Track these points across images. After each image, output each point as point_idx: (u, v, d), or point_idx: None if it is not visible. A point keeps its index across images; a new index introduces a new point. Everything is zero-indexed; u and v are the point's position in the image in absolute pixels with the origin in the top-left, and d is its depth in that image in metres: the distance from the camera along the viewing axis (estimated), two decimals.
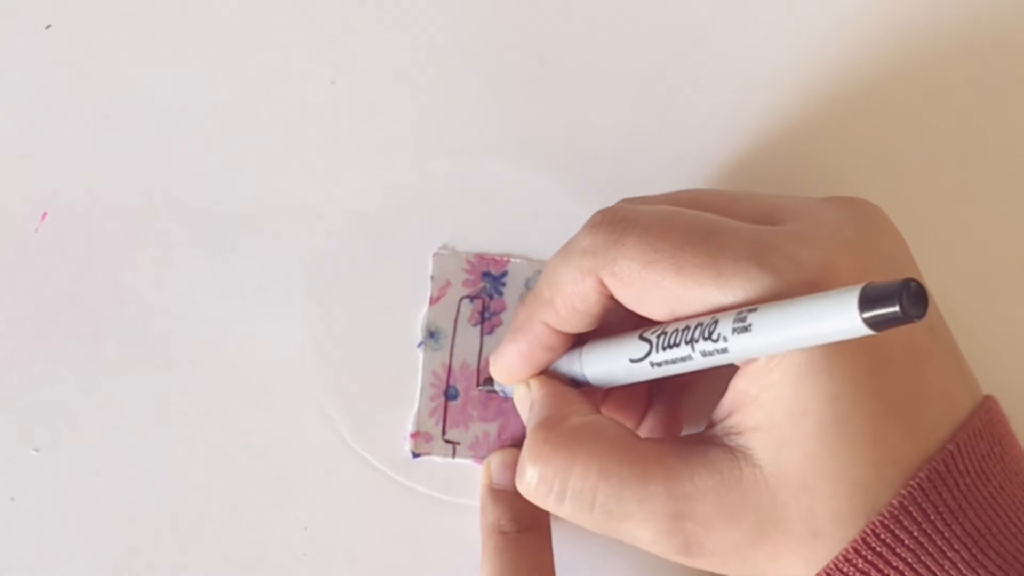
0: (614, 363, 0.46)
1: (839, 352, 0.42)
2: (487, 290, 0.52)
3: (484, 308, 0.52)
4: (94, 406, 0.52)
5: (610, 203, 0.52)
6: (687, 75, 0.53)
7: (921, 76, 0.54)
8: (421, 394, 0.52)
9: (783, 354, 0.42)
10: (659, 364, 0.45)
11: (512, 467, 0.49)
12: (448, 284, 0.52)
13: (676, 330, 0.44)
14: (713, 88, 0.53)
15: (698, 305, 0.43)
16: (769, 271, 0.43)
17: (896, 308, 0.38)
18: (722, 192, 0.48)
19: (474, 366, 0.52)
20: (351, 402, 0.52)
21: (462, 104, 0.53)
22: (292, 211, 0.52)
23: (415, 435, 0.52)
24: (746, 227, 0.44)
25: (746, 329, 0.42)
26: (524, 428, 0.52)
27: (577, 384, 0.48)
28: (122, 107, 0.52)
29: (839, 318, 0.39)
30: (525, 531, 0.49)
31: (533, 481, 0.45)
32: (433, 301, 0.52)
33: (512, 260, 0.52)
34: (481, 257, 0.52)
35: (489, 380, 0.51)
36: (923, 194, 0.53)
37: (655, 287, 0.44)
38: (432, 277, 0.52)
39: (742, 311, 0.42)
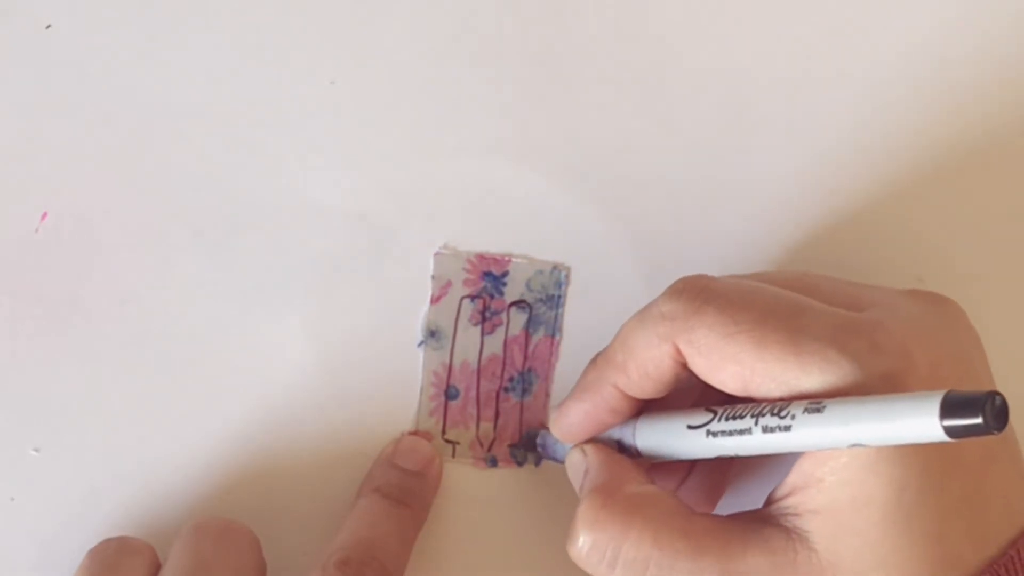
0: (670, 430, 0.46)
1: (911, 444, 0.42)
2: (488, 290, 0.52)
3: (485, 308, 0.52)
4: (94, 406, 0.52)
5: (611, 204, 0.53)
6: (688, 75, 0.53)
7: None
8: (421, 394, 0.52)
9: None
10: (716, 434, 0.44)
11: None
12: (449, 284, 0.52)
13: (745, 406, 0.44)
14: (714, 87, 0.53)
15: (772, 382, 0.43)
16: (848, 356, 0.42)
17: (979, 420, 0.37)
18: (805, 274, 0.48)
19: (474, 366, 0.52)
20: (351, 402, 0.52)
21: (462, 104, 0.53)
22: (292, 211, 0.52)
23: (415, 434, 0.52)
24: (828, 309, 0.44)
25: (818, 411, 0.41)
26: (524, 430, 0.52)
27: (624, 452, 0.48)
28: (122, 107, 0.52)
29: (918, 422, 0.39)
30: (401, 505, 0.50)
31: (586, 547, 0.45)
32: (434, 300, 0.52)
33: (513, 260, 0.52)
34: (482, 257, 0.52)
35: (528, 443, 0.52)
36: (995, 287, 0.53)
37: (732, 359, 0.43)
38: (433, 276, 0.52)
39: (819, 399, 0.42)
